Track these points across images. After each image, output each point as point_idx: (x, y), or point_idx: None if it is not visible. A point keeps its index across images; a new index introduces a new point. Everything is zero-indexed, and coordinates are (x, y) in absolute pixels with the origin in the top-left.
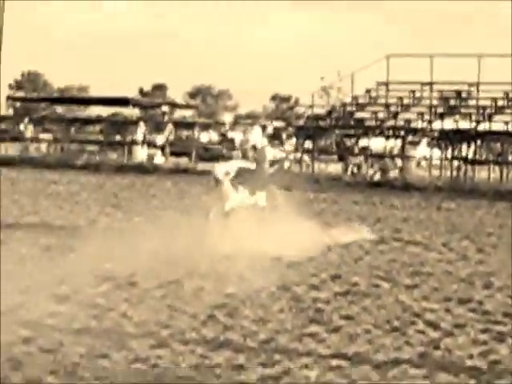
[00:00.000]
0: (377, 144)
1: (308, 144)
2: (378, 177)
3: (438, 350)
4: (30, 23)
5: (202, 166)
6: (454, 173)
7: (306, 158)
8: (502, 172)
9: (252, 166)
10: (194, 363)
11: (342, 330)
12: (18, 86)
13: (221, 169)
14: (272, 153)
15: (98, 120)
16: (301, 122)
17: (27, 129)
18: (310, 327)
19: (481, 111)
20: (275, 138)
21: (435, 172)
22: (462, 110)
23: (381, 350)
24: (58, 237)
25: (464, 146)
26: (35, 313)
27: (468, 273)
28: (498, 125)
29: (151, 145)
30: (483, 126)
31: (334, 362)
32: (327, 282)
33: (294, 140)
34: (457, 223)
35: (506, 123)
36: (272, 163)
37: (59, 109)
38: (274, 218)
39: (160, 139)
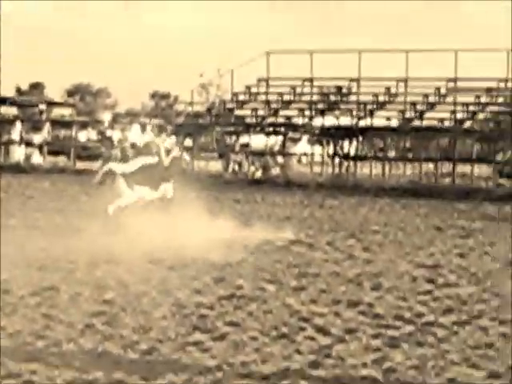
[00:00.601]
0: (257, 141)
1: (188, 142)
2: (259, 174)
3: (329, 359)
4: None
5: (80, 164)
6: (336, 169)
7: (185, 155)
8: (384, 168)
9: (153, 160)
10: (70, 379)
11: (227, 338)
12: None
13: (119, 167)
14: (165, 143)
15: None
16: (180, 120)
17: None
18: (194, 335)
19: (362, 107)
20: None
21: (317, 169)
22: (343, 106)
23: (269, 359)
24: None
25: (345, 142)
26: None
27: (355, 273)
28: (379, 120)
29: (29, 144)
30: (365, 122)
31: (220, 374)
32: (210, 286)
33: (173, 138)
34: (341, 221)
35: (388, 119)
36: (168, 153)
37: None
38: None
39: (37, 138)
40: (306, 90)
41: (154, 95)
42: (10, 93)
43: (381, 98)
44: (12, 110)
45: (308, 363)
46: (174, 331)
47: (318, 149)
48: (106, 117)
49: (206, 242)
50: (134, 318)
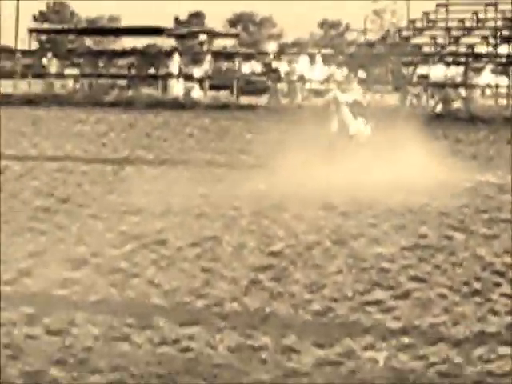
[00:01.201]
0: (437, 72)
1: (361, 73)
2: (439, 108)
3: None
4: None
5: (244, 100)
6: None
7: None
8: None
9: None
10: (233, 345)
11: (411, 296)
12: (43, 17)
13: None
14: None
15: (129, 52)
16: (352, 50)
17: (51, 64)
18: (374, 293)
19: None
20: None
21: (502, 102)
22: None
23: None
24: (77, 186)
25: None
26: (43, 282)
27: None
28: None
29: (188, 78)
30: None
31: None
32: (390, 235)
33: (345, 69)
34: None
35: None
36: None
37: (88, 41)
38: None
39: (198, 72)
40: (490, 15)
41: (322, 24)
42: (167, 23)
43: None
44: (170, 42)
45: (506, 325)
46: (350, 288)
47: (503, 80)
48: (271, 48)
49: (384, 184)
50: (304, 273)
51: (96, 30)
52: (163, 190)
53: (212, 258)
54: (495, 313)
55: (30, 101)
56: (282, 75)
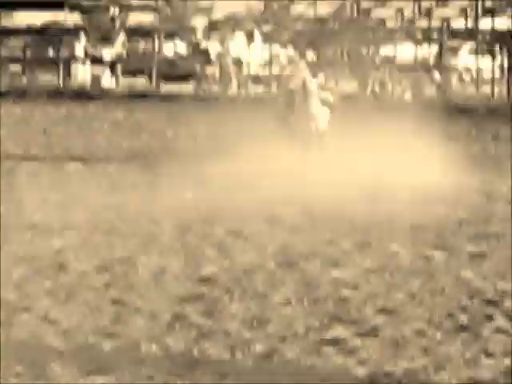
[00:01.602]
0: (405, 52)
1: (311, 55)
2: (408, 96)
3: None
4: None
5: (166, 88)
6: None
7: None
8: None
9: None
10: None
11: (380, 334)
12: None
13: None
14: None
15: (23, 30)
16: (299, 27)
17: None
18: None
19: None
20: None
21: (486, 89)
22: None
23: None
24: None
25: None
26: None
27: None
28: None
29: (96, 61)
30: None
31: None
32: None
33: (290, 50)
34: None
35: None
36: None
37: None
38: None
39: (108, 54)
40: None
41: None
42: None
43: None
44: (73, 17)
45: (502, 371)
46: (302, 324)
47: (486, 61)
48: (199, 23)
49: (345, 191)
50: (243, 304)
51: None
52: (63, 200)
53: (125, 286)
54: (488, 354)
55: None
56: (213, 57)
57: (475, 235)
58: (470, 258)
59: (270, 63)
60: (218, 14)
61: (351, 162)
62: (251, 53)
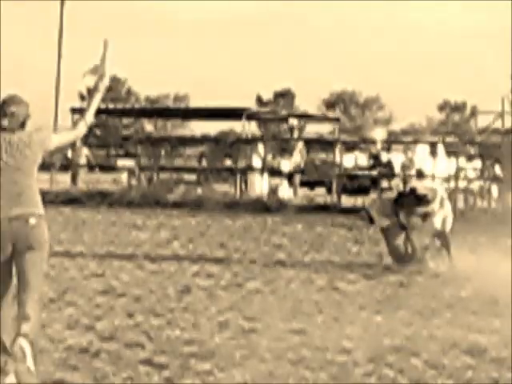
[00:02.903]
0: None
1: (498, 169)
2: None
3: None
4: None
5: (346, 201)
6: None
7: (494, 188)
8: None
9: None
10: None
11: None
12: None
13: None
14: None
15: (199, 139)
16: (484, 139)
17: (80, 153)
18: None
19: None
20: None
21: None
22: None
23: None
24: None
25: None
26: None
27: None
28: None
29: (274, 173)
30: None
31: None
32: None
33: (476, 163)
34: None
35: None
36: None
37: (147, 125)
38: None
39: (286, 164)
40: None
41: (443, 106)
42: (248, 103)
43: None
44: (251, 127)
45: None
46: None
47: None
48: (378, 135)
49: None
50: None
51: (158, 111)
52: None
53: None
54: None
55: (72, 199)
56: (397, 170)
57: None
58: None
59: (456, 177)
60: (397, 125)
61: None
62: (435, 166)
